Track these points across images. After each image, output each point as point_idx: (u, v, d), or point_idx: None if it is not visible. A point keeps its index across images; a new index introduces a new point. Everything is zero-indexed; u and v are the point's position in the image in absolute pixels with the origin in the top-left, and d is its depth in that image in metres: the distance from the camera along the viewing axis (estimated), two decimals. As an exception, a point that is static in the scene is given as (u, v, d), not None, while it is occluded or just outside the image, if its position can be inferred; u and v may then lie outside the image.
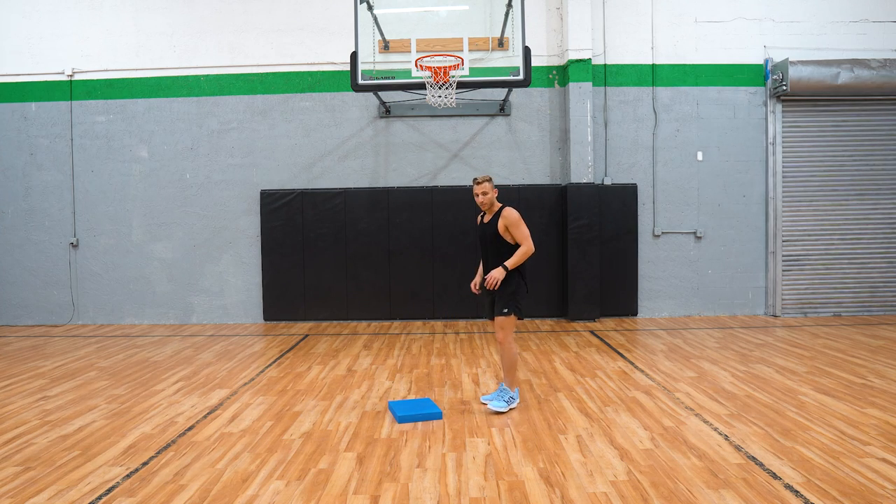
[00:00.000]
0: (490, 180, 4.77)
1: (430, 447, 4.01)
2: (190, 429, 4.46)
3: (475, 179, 4.77)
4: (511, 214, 4.63)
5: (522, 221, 4.66)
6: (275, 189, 9.11)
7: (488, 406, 4.73)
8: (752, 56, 8.99)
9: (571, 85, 8.79)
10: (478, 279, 4.98)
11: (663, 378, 5.66)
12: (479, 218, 4.99)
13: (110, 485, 3.51)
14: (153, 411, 4.90)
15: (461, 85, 7.06)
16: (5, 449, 4.11)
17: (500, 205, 4.78)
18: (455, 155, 9.15)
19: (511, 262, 4.59)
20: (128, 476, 3.63)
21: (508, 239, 4.67)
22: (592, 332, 8.00)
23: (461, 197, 8.93)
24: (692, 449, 3.92)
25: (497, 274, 4.56)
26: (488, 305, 4.89)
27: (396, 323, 8.98)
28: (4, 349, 7.53)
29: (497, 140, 9.13)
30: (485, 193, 4.71)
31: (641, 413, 4.65)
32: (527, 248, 4.62)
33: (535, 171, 9.15)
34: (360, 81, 7.11)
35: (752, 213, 9.06)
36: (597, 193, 8.77)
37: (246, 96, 9.17)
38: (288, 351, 7.15)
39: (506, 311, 4.65)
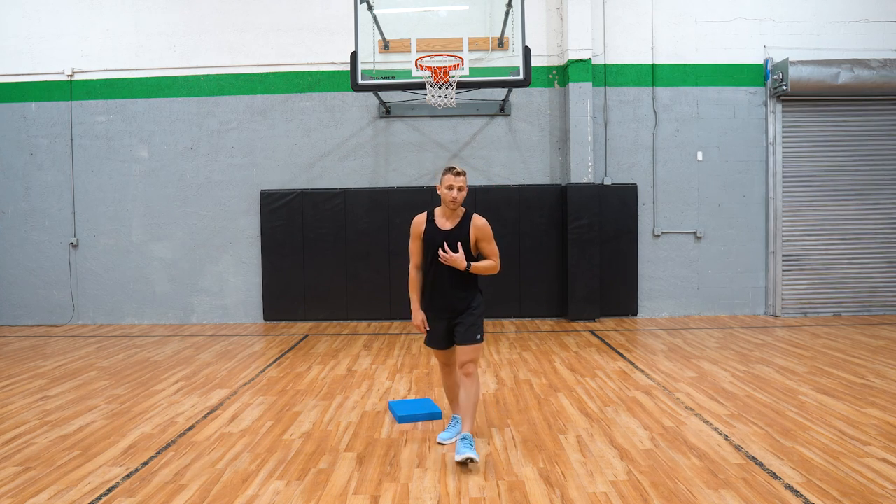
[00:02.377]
0: (466, 175, 3.88)
1: (430, 447, 4.01)
2: (190, 429, 4.46)
3: (453, 169, 3.79)
4: (486, 225, 3.85)
5: None
6: (275, 189, 9.11)
7: (472, 458, 3.59)
8: (752, 56, 8.99)
9: (571, 85, 8.79)
10: (419, 315, 3.94)
11: (663, 378, 5.66)
12: (424, 223, 3.91)
13: (110, 485, 3.51)
14: (153, 411, 4.89)
15: (461, 85, 7.06)
16: (5, 449, 4.11)
17: (463, 209, 3.93)
18: (455, 155, 9.14)
19: (475, 264, 3.81)
20: (128, 476, 3.63)
21: (472, 250, 3.90)
22: (592, 332, 8.00)
23: (461, 197, 8.92)
24: (692, 449, 3.92)
25: (460, 258, 3.73)
26: (444, 331, 3.94)
27: (396, 323, 8.98)
28: (4, 349, 7.53)
29: (497, 140, 9.13)
30: (461, 189, 3.79)
31: (641, 413, 4.65)
32: (496, 265, 3.87)
33: (535, 171, 9.15)
34: (360, 81, 7.11)
35: (752, 213, 9.06)
36: (597, 193, 8.76)
37: (246, 96, 9.18)
38: (288, 351, 7.15)
39: (479, 336, 3.86)
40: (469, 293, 3.90)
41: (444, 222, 3.88)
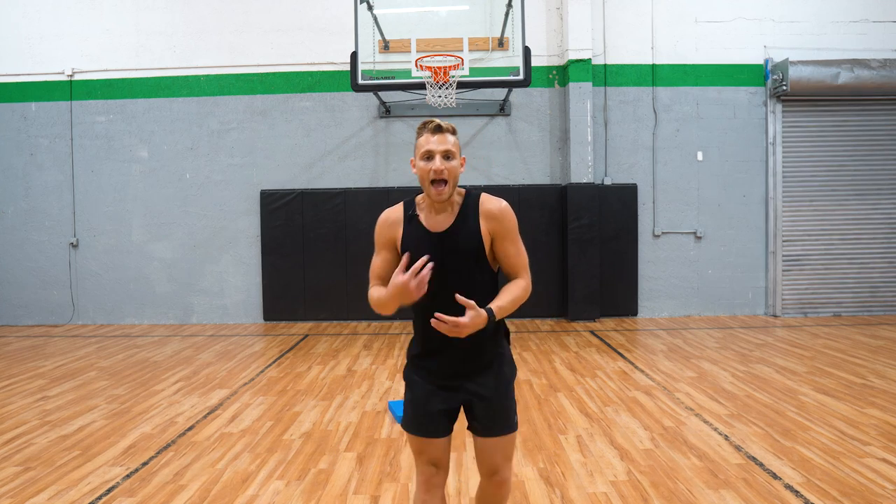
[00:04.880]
0: (456, 134, 2.20)
1: (430, 447, 4.01)
2: (190, 429, 4.46)
3: (430, 124, 2.16)
4: (507, 210, 2.22)
5: None
6: (275, 189, 9.11)
7: None
8: (752, 56, 8.99)
9: (571, 85, 8.79)
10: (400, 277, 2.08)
11: (663, 378, 5.66)
12: (400, 223, 2.25)
13: (110, 485, 3.51)
14: (153, 411, 4.90)
15: (461, 85, 7.06)
16: (5, 449, 4.11)
17: (462, 191, 2.27)
18: (455, 155, 9.13)
19: (500, 305, 2.12)
20: (128, 476, 3.63)
21: (489, 260, 2.24)
22: (592, 332, 8.00)
23: (461, 197, 8.92)
24: (692, 449, 3.92)
25: (475, 320, 2.01)
26: (444, 409, 2.27)
27: (396, 323, 8.98)
28: (4, 349, 7.53)
29: (497, 140, 9.13)
30: (448, 157, 2.14)
31: (641, 413, 4.65)
32: (527, 285, 2.23)
33: (535, 171, 9.15)
34: (360, 81, 7.11)
35: (752, 213, 9.06)
36: (597, 193, 8.76)
37: (246, 96, 9.17)
38: (288, 351, 7.15)
39: (516, 419, 2.33)
40: (495, 338, 2.26)
41: (435, 219, 2.22)
